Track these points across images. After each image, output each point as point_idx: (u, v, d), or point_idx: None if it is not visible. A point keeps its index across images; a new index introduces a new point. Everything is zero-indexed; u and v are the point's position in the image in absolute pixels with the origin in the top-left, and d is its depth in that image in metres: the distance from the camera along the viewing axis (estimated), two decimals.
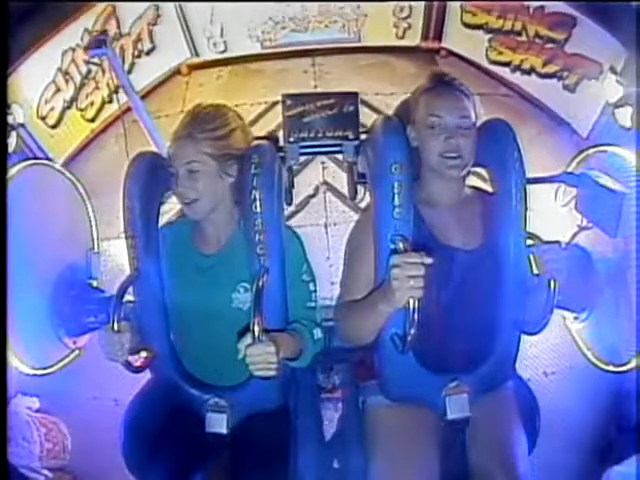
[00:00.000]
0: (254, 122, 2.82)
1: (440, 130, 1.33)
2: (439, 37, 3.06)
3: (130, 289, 1.30)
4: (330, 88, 2.92)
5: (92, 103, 2.84)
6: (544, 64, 2.67)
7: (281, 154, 1.72)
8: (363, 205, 1.82)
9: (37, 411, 2.06)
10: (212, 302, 1.35)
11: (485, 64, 2.94)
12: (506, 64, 2.86)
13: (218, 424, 1.33)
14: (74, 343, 1.88)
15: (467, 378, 1.35)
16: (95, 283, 1.89)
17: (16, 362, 1.64)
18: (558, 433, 1.98)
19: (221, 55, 3.23)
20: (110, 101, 2.83)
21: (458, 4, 2.90)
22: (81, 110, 2.80)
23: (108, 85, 2.81)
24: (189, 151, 1.30)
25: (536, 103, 2.81)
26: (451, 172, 1.33)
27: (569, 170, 1.83)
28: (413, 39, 3.13)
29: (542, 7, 2.55)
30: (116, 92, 2.48)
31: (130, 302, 1.33)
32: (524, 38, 2.71)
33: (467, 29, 2.92)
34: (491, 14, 2.77)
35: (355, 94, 1.84)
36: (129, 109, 2.29)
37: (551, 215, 1.85)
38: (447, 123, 1.33)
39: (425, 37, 3.10)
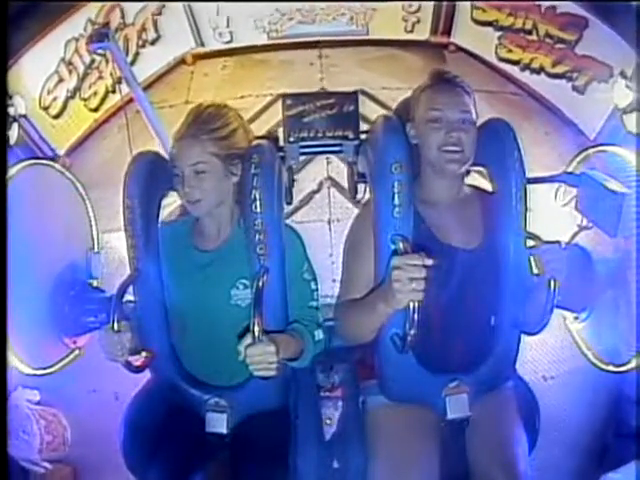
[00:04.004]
0: (259, 114, 2.79)
1: (440, 124, 1.33)
2: (448, 32, 3.00)
3: (130, 289, 1.30)
4: (336, 81, 2.89)
5: (95, 93, 2.81)
6: (554, 64, 2.63)
7: (281, 154, 1.71)
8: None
9: (37, 404, 2.07)
10: (211, 298, 1.35)
11: (494, 61, 2.90)
12: (515, 62, 2.81)
13: (218, 424, 1.34)
14: (74, 343, 1.88)
15: (467, 378, 1.36)
16: (95, 283, 1.88)
17: (16, 362, 1.64)
18: (557, 438, 1.99)
19: (227, 45, 3.19)
20: (114, 91, 2.80)
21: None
22: (84, 100, 2.78)
23: (112, 75, 2.76)
24: (194, 152, 1.30)
25: (544, 103, 2.77)
26: (450, 167, 1.33)
27: (569, 170, 1.82)
28: (422, 33, 3.07)
29: (553, 7, 2.50)
30: (119, 82, 2.45)
31: (130, 302, 1.33)
32: (534, 37, 2.67)
33: (477, 25, 2.87)
34: (501, 11, 2.73)
35: (355, 94, 1.83)
36: (131, 100, 2.27)
37: (551, 215, 1.83)
38: (448, 117, 1.33)
39: (434, 32, 3.04)
